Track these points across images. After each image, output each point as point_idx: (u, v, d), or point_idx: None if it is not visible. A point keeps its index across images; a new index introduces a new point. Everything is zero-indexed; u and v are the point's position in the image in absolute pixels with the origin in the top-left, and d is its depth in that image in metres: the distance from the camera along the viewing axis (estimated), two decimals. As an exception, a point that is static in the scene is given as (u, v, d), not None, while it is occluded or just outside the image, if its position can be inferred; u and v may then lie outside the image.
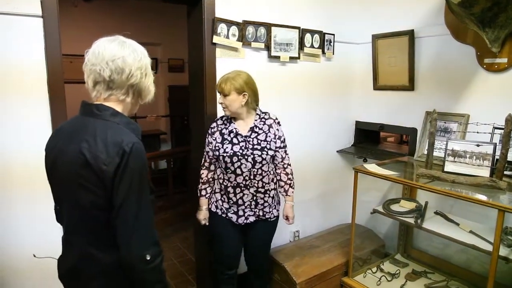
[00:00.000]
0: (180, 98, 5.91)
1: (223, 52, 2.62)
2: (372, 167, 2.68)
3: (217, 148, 2.20)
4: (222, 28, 2.55)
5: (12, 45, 1.94)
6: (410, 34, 2.92)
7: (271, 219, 2.34)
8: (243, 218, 2.27)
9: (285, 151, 2.33)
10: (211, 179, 2.36)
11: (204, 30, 2.52)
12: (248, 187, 2.21)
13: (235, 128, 2.20)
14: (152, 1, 5.46)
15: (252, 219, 2.27)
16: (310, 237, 3.29)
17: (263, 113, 2.28)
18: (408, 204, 2.68)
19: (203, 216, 2.38)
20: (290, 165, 2.37)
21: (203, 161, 2.35)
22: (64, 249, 1.36)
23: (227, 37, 2.59)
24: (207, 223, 2.39)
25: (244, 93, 2.13)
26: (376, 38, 3.20)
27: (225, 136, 2.21)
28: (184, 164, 5.15)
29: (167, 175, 4.71)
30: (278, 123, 2.31)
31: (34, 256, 2.08)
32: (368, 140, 3.63)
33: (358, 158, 3.46)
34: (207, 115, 2.63)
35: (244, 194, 2.22)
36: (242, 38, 2.66)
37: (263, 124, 2.24)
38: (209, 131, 2.29)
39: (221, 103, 2.18)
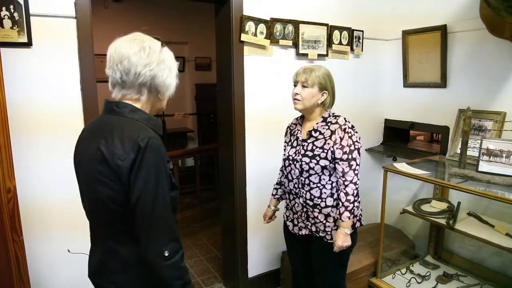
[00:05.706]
0: (206, 96, 5.98)
1: (251, 50, 2.62)
2: (402, 166, 2.62)
3: (284, 148, 2.18)
4: (250, 26, 2.55)
5: (50, 44, 2.02)
6: (443, 29, 2.83)
7: (328, 240, 2.01)
8: (297, 228, 2.13)
9: (350, 166, 1.90)
10: (284, 181, 2.20)
11: (232, 28, 2.52)
12: (298, 196, 2.05)
13: (299, 130, 2.08)
14: (180, 0, 5.53)
15: (304, 232, 2.09)
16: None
17: (332, 116, 2.00)
18: (440, 205, 2.61)
19: (265, 213, 2.33)
20: (355, 184, 1.92)
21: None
22: (91, 245, 1.39)
23: (255, 34, 2.59)
24: (268, 221, 2.33)
25: (325, 91, 1.96)
26: (406, 34, 3.12)
27: (291, 137, 2.14)
28: (211, 161, 5.19)
29: (194, 173, 4.75)
30: (345, 130, 1.93)
31: (69, 251, 2.15)
32: (398, 138, 3.55)
33: (387, 157, 3.39)
34: (235, 113, 2.64)
35: (295, 203, 2.08)
36: (270, 35, 2.65)
37: (326, 129, 1.96)
38: (285, 131, 2.23)
39: (296, 94, 1.97)
